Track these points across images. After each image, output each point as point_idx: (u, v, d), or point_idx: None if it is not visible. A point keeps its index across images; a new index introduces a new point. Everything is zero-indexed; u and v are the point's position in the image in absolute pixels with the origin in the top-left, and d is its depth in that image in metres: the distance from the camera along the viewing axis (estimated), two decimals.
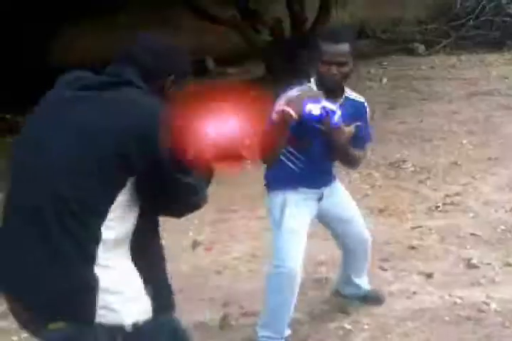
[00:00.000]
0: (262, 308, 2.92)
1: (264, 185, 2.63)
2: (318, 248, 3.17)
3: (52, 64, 7.58)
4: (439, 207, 4.01)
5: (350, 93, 2.52)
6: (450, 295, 2.96)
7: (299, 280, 2.50)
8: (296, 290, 2.51)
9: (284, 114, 2.20)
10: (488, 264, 3.22)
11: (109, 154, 1.44)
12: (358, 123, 2.42)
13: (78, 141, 1.46)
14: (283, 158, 2.49)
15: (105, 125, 1.46)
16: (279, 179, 2.54)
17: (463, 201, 4.06)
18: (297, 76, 7.83)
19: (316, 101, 2.22)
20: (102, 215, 1.45)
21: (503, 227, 3.63)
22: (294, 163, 2.49)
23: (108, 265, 1.48)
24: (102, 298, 1.45)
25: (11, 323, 2.94)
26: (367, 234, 2.74)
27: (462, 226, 3.69)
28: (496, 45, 8.73)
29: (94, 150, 1.45)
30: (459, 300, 2.92)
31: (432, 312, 2.84)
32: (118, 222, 1.48)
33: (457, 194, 4.17)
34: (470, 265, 3.22)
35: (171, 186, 1.50)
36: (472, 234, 3.58)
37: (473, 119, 5.79)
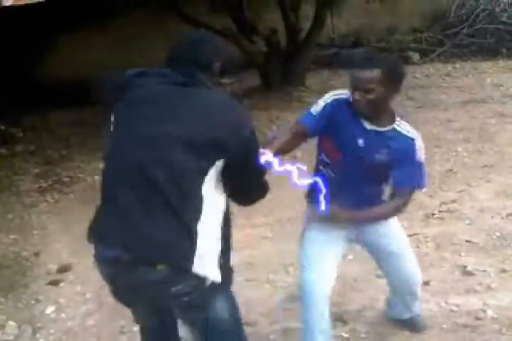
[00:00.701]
0: (259, 318, 2.93)
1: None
2: None
3: (47, 75, 7.62)
4: (435, 214, 4.02)
5: (401, 125, 2.31)
6: (447, 303, 2.97)
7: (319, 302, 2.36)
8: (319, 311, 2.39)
9: None
10: (484, 271, 3.23)
11: (210, 142, 1.76)
12: (381, 155, 2.26)
13: (188, 128, 1.78)
14: (320, 167, 2.42)
15: (208, 119, 1.80)
16: (312, 189, 2.44)
17: (459, 208, 4.08)
18: (293, 85, 7.87)
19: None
20: (200, 183, 1.78)
21: (498, 234, 3.64)
22: (328, 169, 2.38)
23: (207, 225, 1.79)
24: (198, 250, 1.76)
25: None
26: (409, 273, 2.52)
27: (458, 234, 3.70)
28: (490, 53, 8.80)
29: (199, 136, 1.77)
30: (455, 308, 2.93)
31: (428, 320, 2.83)
32: (212, 191, 1.81)
33: (453, 201, 4.19)
34: (466, 272, 3.23)
35: (250, 171, 1.87)
36: (468, 241, 3.59)
37: (469, 127, 5.83)
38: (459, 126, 5.87)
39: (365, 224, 2.43)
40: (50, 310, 3.26)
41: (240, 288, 3.23)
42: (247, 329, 2.87)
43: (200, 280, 1.79)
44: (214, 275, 1.83)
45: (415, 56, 8.84)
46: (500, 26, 9.09)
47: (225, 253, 1.90)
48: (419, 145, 2.31)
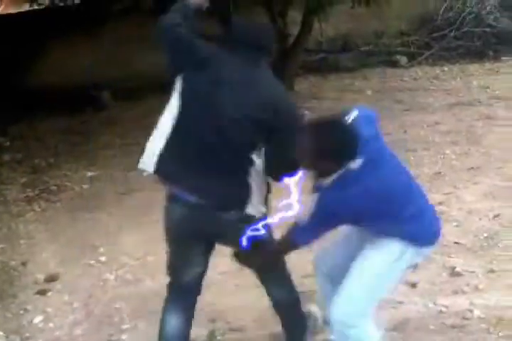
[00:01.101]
0: (248, 323, 2.92)
1: None
2: (304, 260, 3.17)
3: (35, 83, 7.60)
4: None
5: None
6: (435, 304, 2.98)
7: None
8: None
9: None
10: (472, 272, 3.24)
11: (259, 122, 2.23)
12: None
13: (243, 109, 2.23)
14: None
15: (259, 97, 2.27)
16: None
17: (446, 210, 4.07)
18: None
19: None
20: (253, 149, 2.27)
21: (485, 235, 3.65)
22: None
23: (256, 179, 2.31)
24: (251, 197, 2.32)
25: None
26: (341, 288, 2.31)
27: (446, 235, 3.68)
28: (477, 56, 8.85)
29: (252, 117, 2.23)
30: (443, 309, 2.94)
31: (417, 321, 2.85)
32: (257, 156, 2.28)
33: (441, 203, 4.18)
34: (454, 273, 3.24)
35: (287, 145, 2.17)
36: (456, 243, 3.60)
37: (456, 129, 5.83)
38: (446, 129, 5.88)
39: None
40: (37, 319, 3.25)
41: (228, 293, 3.26)
42: (237, 335, 2.89)
43: (252, 217, 2.33)
44: (260, 212, 2.36)
45: (403, 59, 8.87)
46: (487, 29, 9.14)
47: (267, 194, 2.42)
48: None
